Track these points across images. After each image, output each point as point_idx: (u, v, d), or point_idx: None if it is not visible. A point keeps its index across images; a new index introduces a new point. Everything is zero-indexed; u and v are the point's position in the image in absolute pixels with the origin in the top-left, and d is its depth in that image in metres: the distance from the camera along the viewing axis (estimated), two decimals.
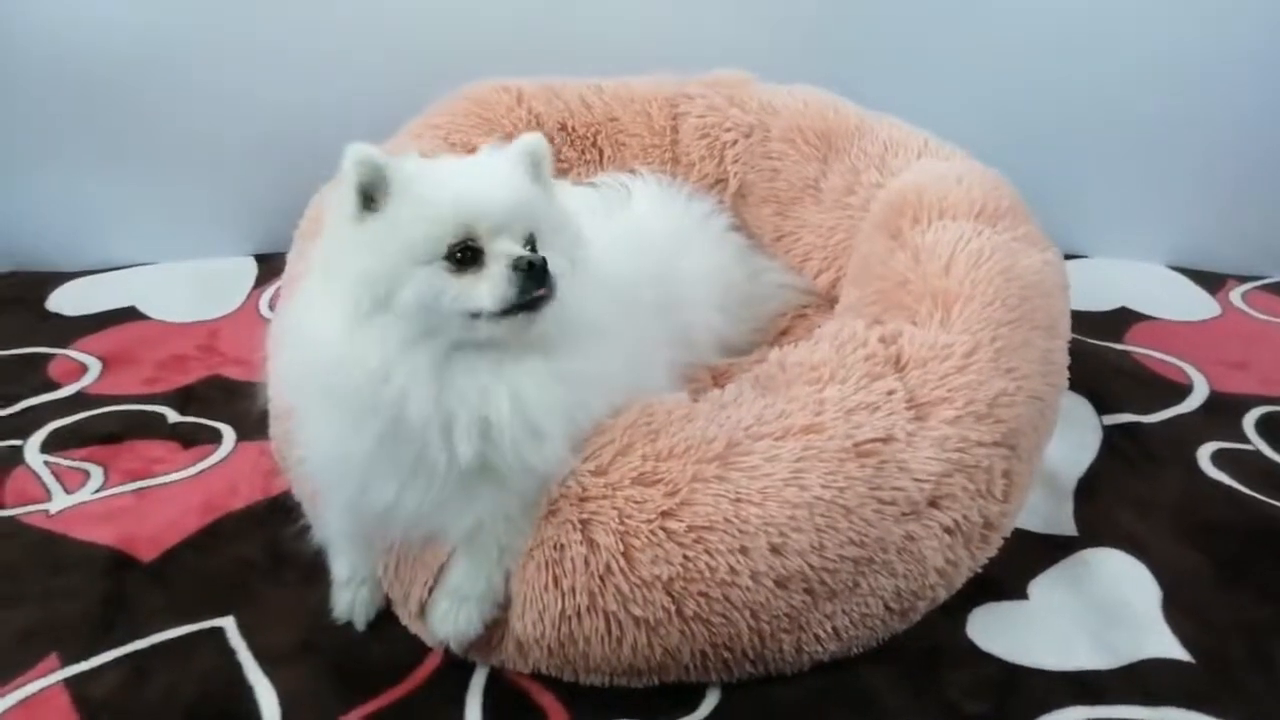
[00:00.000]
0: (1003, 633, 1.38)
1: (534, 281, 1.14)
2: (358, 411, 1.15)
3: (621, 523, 1.19)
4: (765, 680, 1.29)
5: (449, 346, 1.16)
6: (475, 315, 1.15)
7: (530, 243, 1.20)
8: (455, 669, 1.32)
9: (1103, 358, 2.08)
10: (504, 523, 1.23)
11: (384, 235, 1.14)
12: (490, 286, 1.14)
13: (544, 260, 1.15)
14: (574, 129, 2.07)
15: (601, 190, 1.85)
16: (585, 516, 1.21)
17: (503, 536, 1.23)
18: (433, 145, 1.92)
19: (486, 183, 1.20)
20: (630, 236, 1.62)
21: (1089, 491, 1.67)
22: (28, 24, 2.31)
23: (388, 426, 1.15)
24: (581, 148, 2.07)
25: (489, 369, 1.17)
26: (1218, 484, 1.69)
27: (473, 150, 1.87)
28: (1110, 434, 1.82)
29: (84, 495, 1.66)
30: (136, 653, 1.34)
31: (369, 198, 1.15)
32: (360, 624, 1.38)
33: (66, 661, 1.33)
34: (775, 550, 1.18)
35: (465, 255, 1.14)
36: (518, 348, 1.19)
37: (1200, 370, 2.05)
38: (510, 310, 1.15)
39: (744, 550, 1.18)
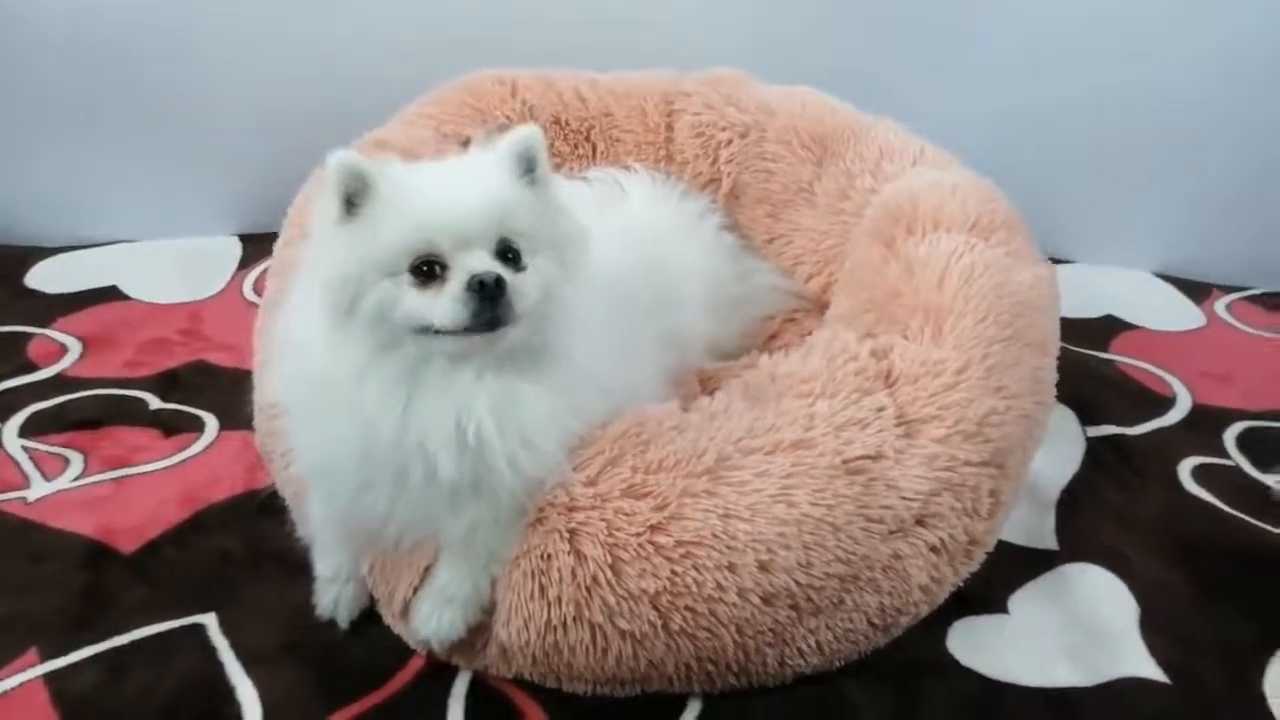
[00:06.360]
0: (983, 647, 1.38)
1: (488, 303, 1.10)
2: (341, 425, 1.15)
3: (610, 535, 1.19)
4: (747, 692, 1.29)
5: (415, 360, 1.14)
6: (429, 331, 1.12)
7: (509, 250, 1.15)
8: (438, 672, 1.32)
9: (1088, 367, 2.08)
10: (494, 528, 1.22)
11: (358, 243, 1.12)
12: (446, 304, 1.10)
13: (499, 280, 1.10)
14: (568, 123, 2.05)
15: (594, 185, 1.83)
16: (573, 527, 1.20)
17: (492, 541, 1.23)
18: (424, 134, 1.90)
19: (456, 194, 1.15)
20: (623, 232, 1.60)
21: (1071, 505, 1.67)
22: None
23: (367, 445, 1.14)
24: (575, 142, 2.05)
25: (470, 381, 1.15)
26: (1198, 500, 1.69)
27: (465, 141, 1.86)
28: (1094, 446, 1.82)
29: (63, 483, 1.64)
30: (117, 649, 1.33)
31: (351, 203, 1.13)
32: (343, 622, 1.37)
33: (46, 656, 1.31)
34: (763, 567, 1.19)
35: (428, 270, 1.11)
36: (500, 355, 1.16)
37: (1183, 382, 2.04)
38: (465, 331, 1.12)
39: (732, 567, 1.18)
